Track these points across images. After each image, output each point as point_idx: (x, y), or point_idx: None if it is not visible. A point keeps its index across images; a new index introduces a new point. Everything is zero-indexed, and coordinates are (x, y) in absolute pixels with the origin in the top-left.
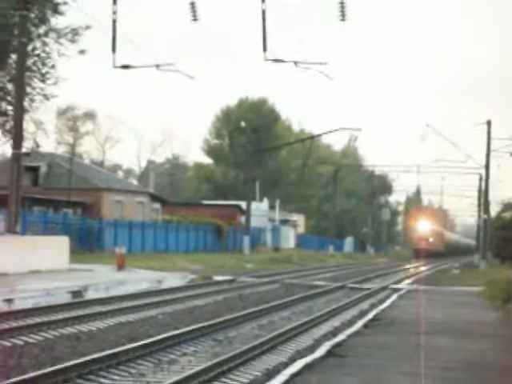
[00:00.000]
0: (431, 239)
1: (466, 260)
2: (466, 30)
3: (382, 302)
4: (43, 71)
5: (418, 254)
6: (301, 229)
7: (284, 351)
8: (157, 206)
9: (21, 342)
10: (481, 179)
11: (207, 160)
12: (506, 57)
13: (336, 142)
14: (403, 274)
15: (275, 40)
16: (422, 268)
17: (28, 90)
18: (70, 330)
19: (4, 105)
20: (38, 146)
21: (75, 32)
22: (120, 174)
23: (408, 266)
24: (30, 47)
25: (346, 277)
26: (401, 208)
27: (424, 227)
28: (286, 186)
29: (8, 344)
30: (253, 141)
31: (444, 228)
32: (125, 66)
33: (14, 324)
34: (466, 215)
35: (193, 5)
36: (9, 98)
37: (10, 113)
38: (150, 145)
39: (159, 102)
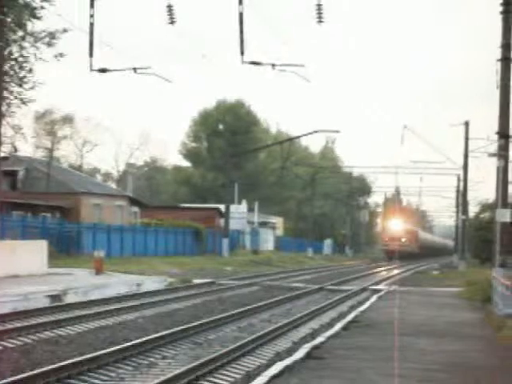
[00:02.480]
0: (404, 239)
1: (444, 261)
2: (443, 31)
3: (361, 303)
4: (20, 75)
5: (390, 255)
6: (280, 231)
7: (264, 353)
8: (135, 209)
9: None
10: (459, 180)
11: (185, 163)
12: (482, 58)
13: (314, 144)
14: (381, 275)
15: (252, 42)
16: (397, 270)
17: (5, 94)
18: (49, 334)
19: None
20: (16, 150)
21: (52, 36)
22: (98, 177)
23: (385, 268)
24: (6, 51)
25: (324, 279)
26: (379, 209)
27: (396, 227)
28: (264, 189)
29: None
30: (231, 143)
31: (419, 228)
32: (102, 70)
33: None
34: (444, 216)
35: (170, 7)
36: None
37: None
38: (128, 148)
39: (137, 105)
